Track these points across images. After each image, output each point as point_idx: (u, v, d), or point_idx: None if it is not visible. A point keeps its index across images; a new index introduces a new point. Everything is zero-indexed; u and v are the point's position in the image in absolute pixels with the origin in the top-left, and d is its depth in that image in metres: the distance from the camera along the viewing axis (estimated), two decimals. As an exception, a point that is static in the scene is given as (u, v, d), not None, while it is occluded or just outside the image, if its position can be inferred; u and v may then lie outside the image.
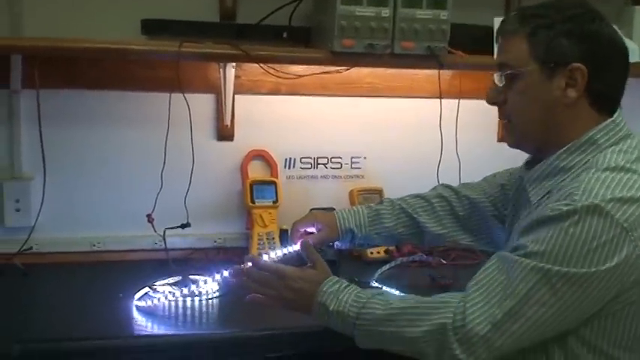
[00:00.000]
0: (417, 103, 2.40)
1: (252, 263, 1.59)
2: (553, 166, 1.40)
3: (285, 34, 2.16)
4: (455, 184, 1.89)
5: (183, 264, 2.10)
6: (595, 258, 1.25)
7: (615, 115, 1.40)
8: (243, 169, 2.29)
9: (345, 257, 2.15)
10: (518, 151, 1.60)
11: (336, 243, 1.78)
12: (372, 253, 2.21)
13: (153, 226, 2.09)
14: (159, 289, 1.86)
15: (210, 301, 1.84)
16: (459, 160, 2.28)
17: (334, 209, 2.13)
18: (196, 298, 1.83)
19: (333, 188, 2.39)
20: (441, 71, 2.18)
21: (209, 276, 1.82)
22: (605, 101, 1.40)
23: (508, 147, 1.52)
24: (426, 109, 2.31)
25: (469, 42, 2.15)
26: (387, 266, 2.11)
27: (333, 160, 2.40)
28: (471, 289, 1.34)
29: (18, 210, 2.13)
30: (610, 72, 1.38)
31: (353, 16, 1.98)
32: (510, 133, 1.48)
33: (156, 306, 1.78)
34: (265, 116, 2.30)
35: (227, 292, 1.82)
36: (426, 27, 2.04)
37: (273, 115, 2.31)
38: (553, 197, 1.34)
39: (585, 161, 1.36)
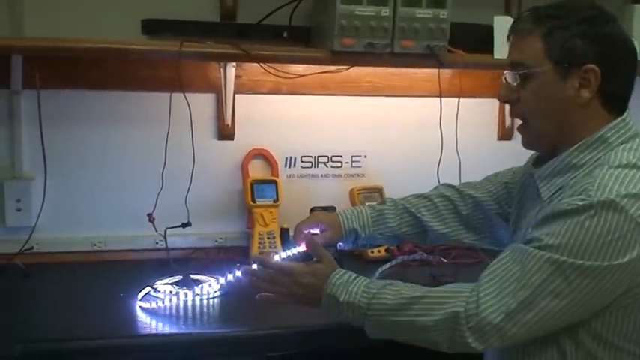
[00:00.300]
0: (417, 102, 2.40)
1: (260, 262, 1.59)
2: (565, 163, 1.42)
3: (285, 34, 2.16)
4: (455, 182, 1.89)
5: (184, 263, 2.10)
6: (609, 252, 1.28)
7: (625, 115, 1.43)
8: (243, 169, 2.30)
9: (346, 256, 2.14)
10: (519, 149, 1.60)
11: (340, 244, 1.78)
12: (372, 252, 2.21)
13: (154, 226, 2.09)
14: (160, 288, 1.86)
15: (211, 300, 1.85)
16: (459, 158, 2.28)
17: (335, 208, 2.14)
18: (197, 298, 1.84)
19: (333, 187, 2.40)
20: (441, 70, 2.18)
21: (210, 275, 1.82)
22: (616, 101, 1.43)
23: (507, 144, 1.52)
24: (426, 108, 2.31)
25: (469, 41, 2.15)
26: (388, 265, 2.11)
27: (333, 159, 2.40)
28: (484, 279, 1.36)
29: (19, 210, 2.13)
30: (621, 74, 1.42)
31: (353, 16, 1.99)
32: (526, 134, 1.50)
33: (157, 305, 1.78)
34: (266, 115, 2.31)
35: (228, 291, 1.83)
36: (425, 26, 2.04)
37: (274, 114, 2.31)
38: (566, 193, 1.36)
39: (597, 158, 1.39)
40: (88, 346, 1.59)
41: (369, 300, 1.42)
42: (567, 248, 1.28)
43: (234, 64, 2.19)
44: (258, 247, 2.19)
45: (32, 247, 2.11)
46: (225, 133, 2.27)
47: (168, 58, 1.99)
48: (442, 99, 2.23)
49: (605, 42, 1.39)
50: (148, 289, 1.85)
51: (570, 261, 1.28)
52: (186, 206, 2.13)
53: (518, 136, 1.54)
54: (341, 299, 1.45)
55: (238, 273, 1.66)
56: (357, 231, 1.76)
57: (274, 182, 2.28)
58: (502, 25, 2.13)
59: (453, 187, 1.83)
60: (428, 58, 2.08)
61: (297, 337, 1.68)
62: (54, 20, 2.05)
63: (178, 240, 2.19)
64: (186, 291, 1.84)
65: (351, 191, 2.35)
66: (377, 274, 2.03)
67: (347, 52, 2.02)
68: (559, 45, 1.38)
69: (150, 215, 2.09)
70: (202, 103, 2.22)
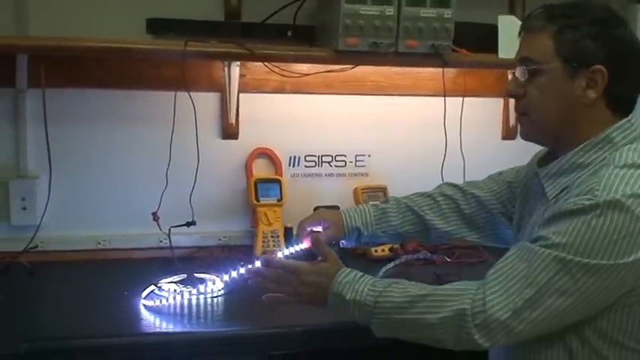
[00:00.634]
0: (421, 101, 2.40)
1: (265, 262, 1.59)
2: (570, 162, 1.43)
3: (289, 33, 2.16)
4: (459, 182, 1.89)
5: (189, 262, 2.11)
6: (615, 251, 1.29)
7: (630, 115, 1.44)
8: (247, 168, 2.30)
9: (350, 255, 2.15)
10: (523, 149, 1.61)
11: (342, 242, 1.78)
12: (376, 251, 2.21)
13: (158, 225, 2.10)
14: (164, 287, 1.86)
15: (215, 299, 1.85)
16: (463, 158, 2.28)
17: (339, 207, 2.13)
18: (201, 296, 1.84)
19: (337, 186, 2.40)
20: (445, 69, 2.18)
21: (214, 274, 1.83)
22: (621, 103, 1.44)
23: (511, 144, 1.53)
24: (431, 107, 2.32)
25: (473, 40, 2.16)
26: (392, 264, 2.11)
27: (337, 158, 2.40)
28: (490, 277, 1.36)
29: (24, 208, 2.13)
30: (629, 77, 1.43)
31: (357, 15, 1.99)
32: (525, 125, 1.51)
33: (161, 304, 1.79)
34: (270, 115, 2.31)
35: (232, 290, 1.83)
36: (430, 25, 2.05)
37: (278, 113, 2.32)
38: (573, 192, 1.37)
39: (602, 158, 1.40)
40: (93, 345, 1.60)
41: (376, 298, 1.43)
42: (574, 247, 1.29)
43: (238, 63, 2.19)
44: (262, 246, 2.19)
45: (37, 246, 2.11)
46: (229, 132, 2.27)
47: (172, 57, 2.00)
48: (446, 98, 2.23)
49: (616, 44, 1.39)
50: (152, 287, 1.85)
51: (577, 259, 1.29)
52: (191, 205, 2.13)
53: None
54: (347, 297, 1.45)
55: (242, 270, 1.66)
56: (360, 229, 1.76)
57: (278, 181, 2.28)
58: (506, 24, 2.13)
59: (455, 185, 1.83)
60: (432, 57, 2.08)
61: (300, 336, 1.68)
62: (59, 19, 2.06)
63: (182, 239, 2.20)
64: (190, 289, 1.84)
65: (355, 190, 2.35)
66: (381, 273, 2.03)
67: (351, 52, 2.03)
68: (570, 44, 1.39)
69: (154, 214, 2.10)
70: (207, 102, 2.23)
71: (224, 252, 2.26)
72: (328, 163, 2.40)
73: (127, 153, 2.21)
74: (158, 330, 1.69)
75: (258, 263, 1.60)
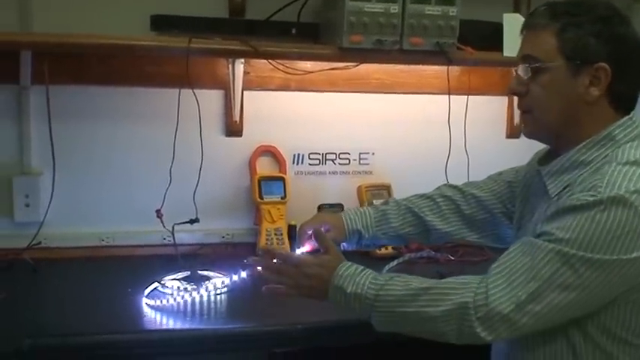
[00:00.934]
0: (425, 99, 2.40)
1: (266, 254, 1.60)
2: (572, 160, 1.43)
3: (293, 30, 2.15)
4: (463, 180, 1.89)
5: (192, 259, 2.11)
6: (618, 246, 1.29)
7: (632, 113, 1.45)
8: (251, 165, 2.30)
9: (353, 253, 2.13)
10: (527, 147, 1.60)
11: (343, 244, 1.78)
12: (380, 249, 2.21)
13: (162, 222, 2.10)
14: (167, 284, 1.87)
15: (218, 296, 1.85)
16: (467, 156, 2.28)
17: (342, 205, 2.13)
18: (204, 293, 1.84)
19: (341, 184, 2.40)
20: (450, 67, 2.18)
21: (217, 271, 1.83)
22: (624, 101, 1.44)
23: (516, 142, 1.52)
24: (435, 105, 2.31)
25: (478, 38, 2.15)
26: (395, 262, 2.11)
27: (341, 155, 2.40)
28: (493, 271, 1.37)
29: (27, 205, 2.14)
30: (632, 74, 1.43)
31: (362, 12, 1.99)
32: (529, 123, 1.50)
33: (164, 301, 1.79)
34: (274, 112, 2.31)
35: (235, 287, 1.83)
36: (434, 23, 2.04)
37: (282, 111, 2.31)
38: (575, 189, 1.37)
39: (604, 155, 1.40)
40: (96, 342, 1.60)
41: (377, 292, 1.43)
42: (577, 242, 1.30)
43: (242, 60, 2.19)
44: (266, 244, 2.19)
45: (40, 242, 2.11)
46: (233, 129, 2.27)
47: (176, 54, 2.00)
48: (451, 96, 2.23)
49: (619, 42, 1.40)
50: (155, 284, 1.86)
51: (580, 254, 1.30)
52: (194, 202, 2.13)
53: (526, 135, 1.54)
54: (348, 291, 1.45)
55: (246, 265, 1.66)
56: (361, 232, 1.76)
57: (282, 179, 2.28)
58: (511, 22, 2.12)
59: (455, 187, 1.83)
60: (437, 55, 2.08)
61: (302, 333, 1.68)
62: (63, 16, 2.05)
63: (186, 236, 2.20)
64: (194, 287, 1.84)
65: (359, 188, 2.35)
66: (384, 271, 2.02)
67: (355, 49, 2.02)
68: (573, 42, 1.39)
69: (158, 211, 2.10)
70: (211, 99, 2.22)
71: (227, 249, 2.26)
72: (332, 160, 2.39)
73: (130, 150, 2.21)
74: (161, 327, 1.69)
75: (258, 254, 1.60)
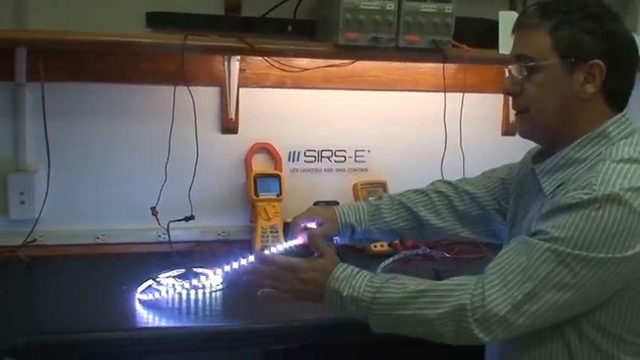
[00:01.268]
0: (421, 96, 2.40)
1: (261, 259, 1.59)
2: (567, 157, 1.44)
3: (289, 28, 2.15)
4: (459, 177, 1.88)
5: (187, 257, 2.10)
6: (613, 244, 1.30)
7: (625, 110, 1.45)
8: (247, 162, 2.29)
9: (349, 250, 2.14)
10: (523, 145, 1.60)
11: (336, 238, 1.78)
12: (375, 246, 2.21)
13: (157, 219, 2.10)
14: (163, 281, 1.86)
15: (213, 293, 1.85)
16: (462, 153, 2.28)
17: (338, 203, 2.13)
18: (200, 291, 1.84)
19: (337, 181, 2.39)
20: (446, 65, 2.17)
21: (213, 269, 1.83)
22: (618, 98, 1.45)
23: (511, 139, 1.53)
24: (431, 102, 2.32)
25: (474, 36, 2.15)
26: (391, 259, 2.11)
27: (337, 153, 2.40)
28: (489, 271, 1.37)
29: (22, 202, 2.13)
30: (625, 70, 1.44)
31: (358, 10, 1.98)
32: (525, 122, 1.51)
33: (159, 299, 1.79)
34: (270, 109, 2.30)
35: (230, 284, 1.83)
36: (430, 20, 2.04)
37: (278, 108, 2.31)
38: (570, 187, 1.37)
39: (598, 153, 1.41)
40: (91, 339, 1.60)
41: (374, 294, 1.43)
42: (572, 241, 1.30)
43: (238, 57, 2.19)
44: (261, 241, 2.19)
45: (35, 240, 2.11)
46: (229, 126, 2.27)
47: (172, 51, 1.99)
48: (446, 94, 2.23)
49: (611, 39, 1.41)
50: (150, 282, 1.85)
51: (575, 253, 1.30)
52: (190, 200, 2.13)
53: (521, 133, 1.54)
54: (344, 294, 1.45)
55: (241, 263, 1.66)
56: (354, 226, 1.76)
57: (278, 176, 2.28)
58: (507, 20, 2.12)
59: (449, 182, 1.83)
60: (432, 52, 2.08)
61: (298, 331, 1.68)
62: (58, 13, 2.05)
63: (181, 233, 2.19)
64: (189, 284, 1.84)
65: (355, 186, 2.35)
66: (379, 269, 2.03)
67: (351, 46, 2.02)
68: (567, 40, 1.40)
69: (153, 208, 2.10)
70: (206, 96, 2.22)
71: (223, 247, 2.25)
72: (328, 158, 2.39)
73: (126, 147, 2.21)
74: (156, 325, 1.69)
75: (252, 259, 1.60)
